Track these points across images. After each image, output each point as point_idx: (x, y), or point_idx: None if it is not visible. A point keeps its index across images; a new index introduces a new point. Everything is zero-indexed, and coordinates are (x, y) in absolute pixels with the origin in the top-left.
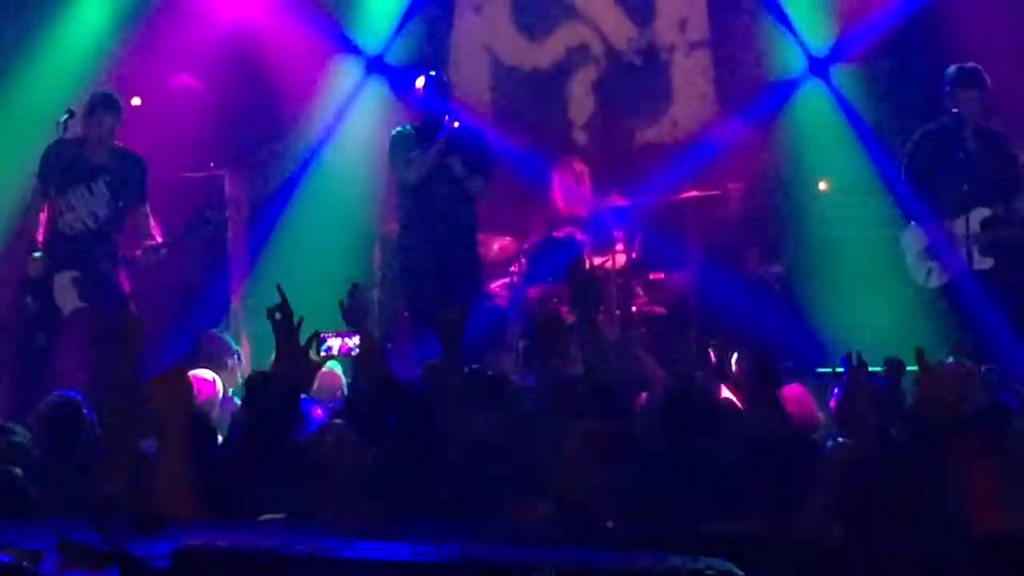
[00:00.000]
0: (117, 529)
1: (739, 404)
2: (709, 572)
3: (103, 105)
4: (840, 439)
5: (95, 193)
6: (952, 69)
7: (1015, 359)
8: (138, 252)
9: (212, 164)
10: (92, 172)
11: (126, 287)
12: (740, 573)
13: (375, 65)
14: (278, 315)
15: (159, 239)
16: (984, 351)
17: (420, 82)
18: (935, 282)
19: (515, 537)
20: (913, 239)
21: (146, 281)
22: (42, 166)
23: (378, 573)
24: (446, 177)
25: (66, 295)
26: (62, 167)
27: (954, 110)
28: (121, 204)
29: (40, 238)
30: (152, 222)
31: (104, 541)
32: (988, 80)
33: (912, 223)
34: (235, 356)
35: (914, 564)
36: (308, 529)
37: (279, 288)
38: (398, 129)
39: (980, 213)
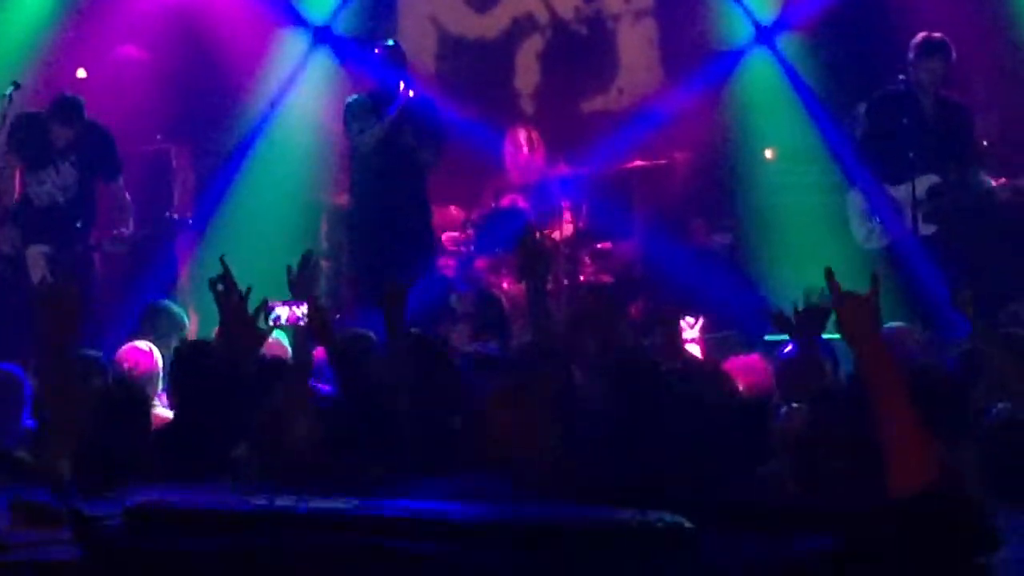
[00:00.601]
0: (69, 488)
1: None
2: (659, 524)
3: (60, 119)
4: (795, 404)
5: (62, 173)
6: (919, 38)
7: (953, 323)
8: (105, 238)
9: (159, 137)
10: (58, 152)
11: (97, 268)
12: (690, 525)
13: (322, 36)
14: (220, 286)
15: (131, 216)
16: (923, 314)
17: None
18: (876, 244)
19: (463, 493)
20: (858, 200)
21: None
22: (10, 138)
23: (333, 527)
24: (398, 147)
25: (38, 269)
26: (29, 144)
27: (901, 77)
28: (90, 179)
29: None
30: (126, 195)
31: (56, 500)
32: (952, 51)
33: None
34: (183, 327)
35: (861, 518)
36: (262, 488)
37: (222, 260)
38: (353, 97)
39: (927, 180)
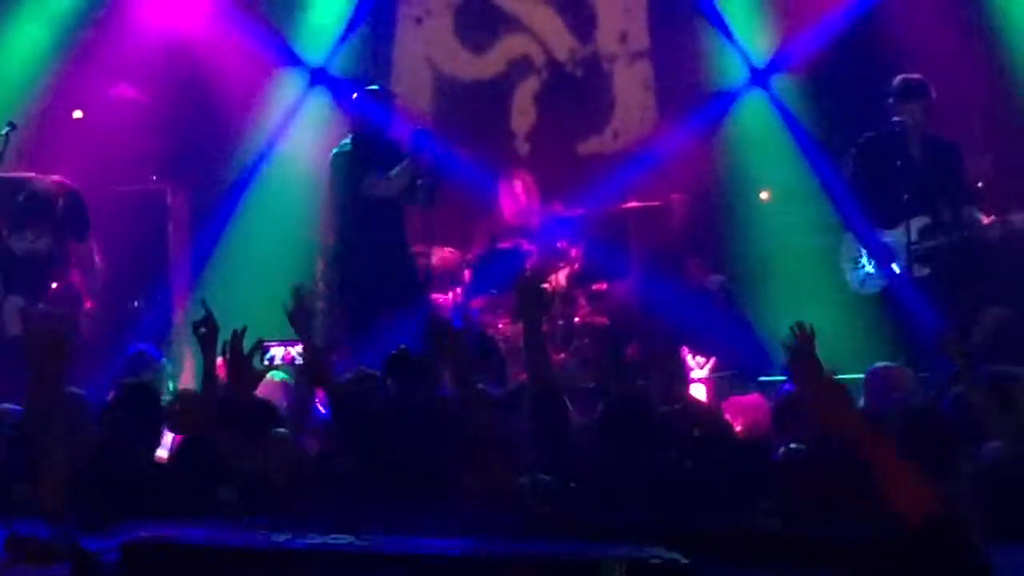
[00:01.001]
0: (68, 524)
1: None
2: (654, 561)
3: (34, 216)
4: (793, 445)
5: (41, 236)
6: (897, 80)
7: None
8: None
9: (154, 177)
10: (34, 220)
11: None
12: (684, 561)
13: (318, 77)
14: (203, 330)
15: (100, 278)
16: (921, 357)
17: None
18: (871, 289)
19: (458, 528)
20: (850, 246)
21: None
22: None
23: (329, 564)
24: (411, 187)
25: (13, 320)
26: (5, 211)
27: (896, 119)
28: (63, 238)
29: None
30: (95, 254)
31: (55, 536)
32: (933, 91)
33: (849, 231)
34: (160, 367)
35: (858, 552)
36: (258, 524)
37: (204, 303)
38: (340, 149)
39: (919, 221)
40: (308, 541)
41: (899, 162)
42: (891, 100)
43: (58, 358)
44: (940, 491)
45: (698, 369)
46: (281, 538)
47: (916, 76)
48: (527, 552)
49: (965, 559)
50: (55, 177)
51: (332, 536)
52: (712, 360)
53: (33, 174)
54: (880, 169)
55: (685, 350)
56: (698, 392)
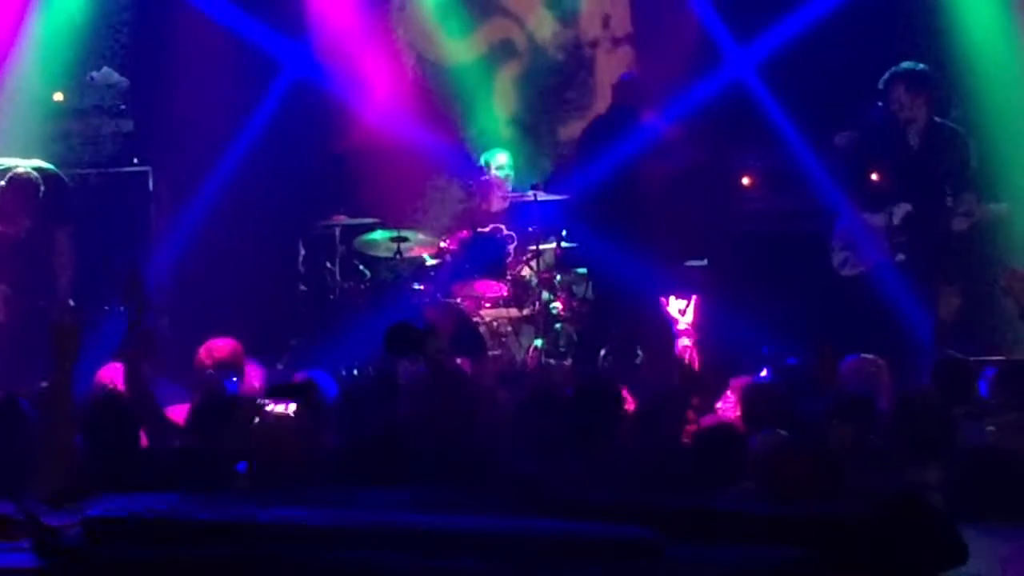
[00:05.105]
0: (31, 501)
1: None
2: (625, 536)
3: (16, 202)
4: (777, 430)
5: (24, 222)
6: (899, 70)
7: (924, 351)
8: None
9: (135, 160)
10: (16, 205)
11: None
12: (656, 536)
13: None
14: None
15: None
16: (895, 343)
17: None
18: (850, 271)
19: (419, 503)
20: (841, 228)
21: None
22: None
23: (295, 537)
24: None
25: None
26: None
27: (879, 103)
28: (46, 224)
29: None
30: (70, 245)
31: (17, 511)
32: (939, 81)
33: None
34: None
35: (830, 529)
36: (224, 497)
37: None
38: None
39: (902, 209)
40: (274, 514)
41: (896, 150)
42: (891, 88)
43: (71, 349)
44: (930, 473)
45: (681, 317)
46: (249, 511)
47: (920, 67)
48: (496, 527)
49: (937, 537)
50: (36, 161)
51: (303, 510)
52: (694, 299)
53: (15, 159)
54: (874, 155)
55: (665, 301)
56: (684, 344)
